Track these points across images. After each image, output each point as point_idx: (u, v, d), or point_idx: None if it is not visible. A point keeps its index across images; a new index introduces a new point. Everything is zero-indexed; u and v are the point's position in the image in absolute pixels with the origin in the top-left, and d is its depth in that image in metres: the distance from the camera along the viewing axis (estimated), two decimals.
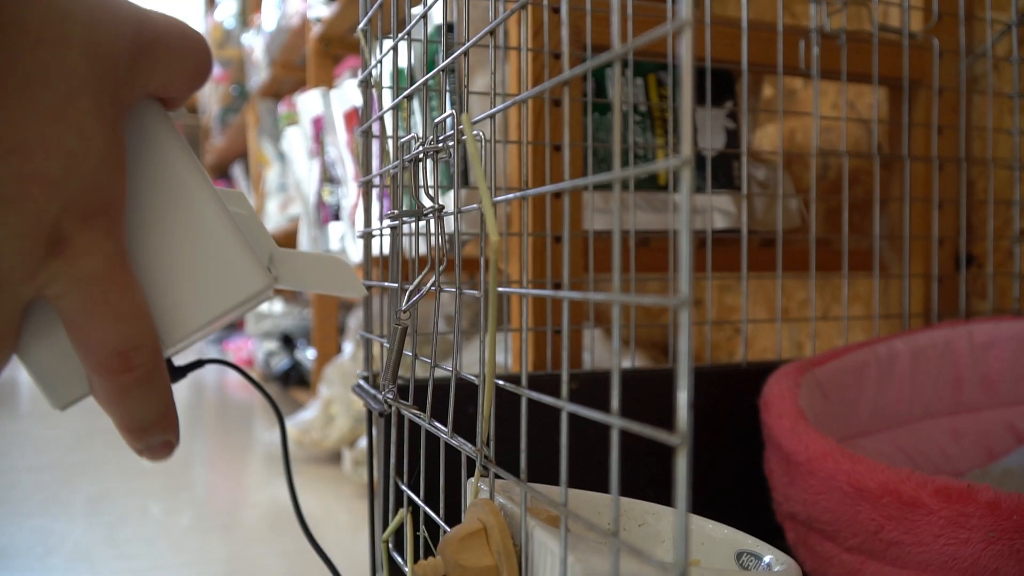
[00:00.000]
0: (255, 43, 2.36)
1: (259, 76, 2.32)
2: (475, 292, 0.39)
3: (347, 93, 1.34)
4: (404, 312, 0.42)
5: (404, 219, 0.46)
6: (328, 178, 1.48)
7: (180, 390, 2.21)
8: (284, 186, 2.11)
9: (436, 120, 0.42)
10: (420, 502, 0.44)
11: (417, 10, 0.44)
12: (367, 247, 0.59)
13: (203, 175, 0.31)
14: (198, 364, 0.35)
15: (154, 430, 0.28)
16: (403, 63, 0.76)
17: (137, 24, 0.27)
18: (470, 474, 0.38)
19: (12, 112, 0.23)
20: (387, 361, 0.48)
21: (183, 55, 0.28)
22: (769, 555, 0.39)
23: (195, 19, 3.93)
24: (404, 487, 0.48)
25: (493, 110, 0.37)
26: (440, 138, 0.42)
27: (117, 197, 0.26)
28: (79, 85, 0.25)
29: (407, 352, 0.46)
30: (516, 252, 0.72)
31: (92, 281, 0.26)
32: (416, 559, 0.39)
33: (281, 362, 1.95)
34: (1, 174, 0.23)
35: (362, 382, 0.57)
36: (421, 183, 0.43)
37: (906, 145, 0.87)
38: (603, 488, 0.41)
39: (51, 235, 0.25)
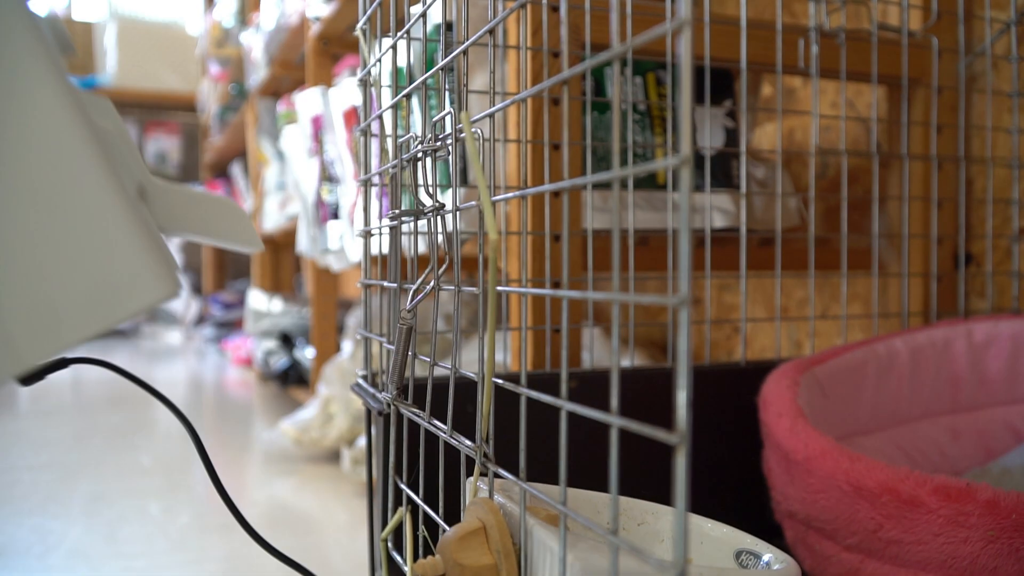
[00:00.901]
0: (254, 42, 2.36)
1: (258, 75, 2.32)
2: (474, 289, 0.39)
3: (346, 92, 1.34)
4: (408, 311, 0.42)
5: (403, 218, 0.46)
6: (327, 177, 1.48)
7: (179, 388, 2.20)
8: (283, 185, 2.11)
9: (435, 119, 0.42)
10: (419, 501, 0.44)
11: (416, 9, 0.44)
12: (366, 246, 0.59)
13: (81, 115, 0.21)
14: (61, 364, 0.28)
15: None
16: (402, 62, 0.75)
17: None
18: (469, 473, 0.38)
19: None
20: (392, 361, 0.48)
21: None
22: (768, 554, 0.39)
23: (194, 17, 3.92)
24: (403, 486, 0.48)
25: (492, 109, 0.37)
26: (440, 136, 0.42)
27: None
28: None
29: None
30: (515, 251, 0.72)
31: None
32: (415, 558, 0.39)
33: (280, 361, 1.95)
34: None
35: (361, 381, 0.57)
36: (420, 182, 0.43)
37: (905, 144, 0.87)
38: (602, 487, 0.41)
39: None
